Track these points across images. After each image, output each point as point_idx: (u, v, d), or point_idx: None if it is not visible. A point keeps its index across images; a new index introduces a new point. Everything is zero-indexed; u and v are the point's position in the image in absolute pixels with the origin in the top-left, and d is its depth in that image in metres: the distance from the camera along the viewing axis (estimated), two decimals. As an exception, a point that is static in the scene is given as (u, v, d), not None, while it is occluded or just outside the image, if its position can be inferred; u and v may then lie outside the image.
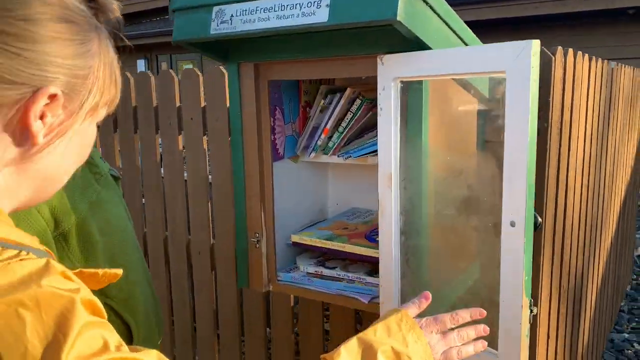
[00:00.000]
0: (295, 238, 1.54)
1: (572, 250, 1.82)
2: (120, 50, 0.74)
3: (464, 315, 0.90)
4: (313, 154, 1.57)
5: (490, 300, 1.04)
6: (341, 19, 1.07)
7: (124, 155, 2.48)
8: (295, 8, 1.12)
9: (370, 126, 1.64)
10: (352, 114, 1.51)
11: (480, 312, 0.90)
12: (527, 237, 0.94)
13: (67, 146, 0.66)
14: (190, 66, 2.21)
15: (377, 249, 1.39)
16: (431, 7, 1.10)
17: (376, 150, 1.44)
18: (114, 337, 0.55)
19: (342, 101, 1.50)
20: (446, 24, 1.17)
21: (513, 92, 0.92)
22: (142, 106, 2.35)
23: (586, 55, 1.78)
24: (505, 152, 0.95)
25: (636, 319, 3.48)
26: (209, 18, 1.23)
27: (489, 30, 5.63)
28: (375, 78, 1.21)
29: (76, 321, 0.52)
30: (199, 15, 1.25)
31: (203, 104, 2.21)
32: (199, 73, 2.19)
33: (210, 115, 2.17)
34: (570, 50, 1.53)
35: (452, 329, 0.89)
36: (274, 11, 1.15)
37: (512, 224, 0.95)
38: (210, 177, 2.27)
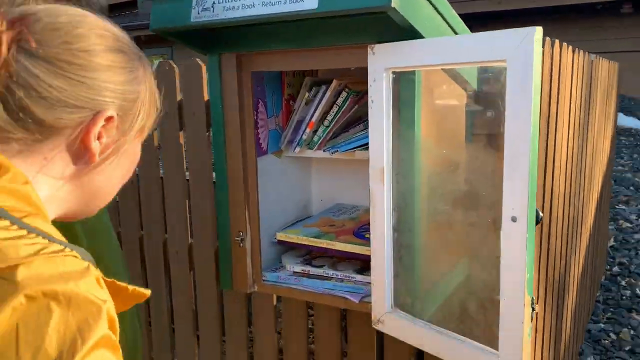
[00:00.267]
0: (281, 236, 1.49)
1: (557, 243, 1.81)
2: None
3: None
4: (298, 149, 1.52)
5: (489, 298, 1.01)
6: (332, 6, 1.02)
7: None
8: (282, -6, 1.07)
9: (356, 119, 1.59)
10: (338, 107, 1.46)
11: None
12: (530, 233, 0.90)
13: (117, 164, 0.73)
14: (157, 62, 2.13)
15: (367, 245, 1.35)
16: (424, -6, 1.06)
17: (365, 144, 1.40)
18: None
19: (327, 94, 1.44)
20: (438, 11, 1.13)
21: (515, 82, 0.88)
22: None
23: (570, 47, 1.77)
24: (506, 144, 0.91)
25: (611, 309, 3.53)
26: (189, 5, 1.16)
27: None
28: (363, 69, 1.16)
29: (97, 331, 0.54)
30: (179, 3, 1.18)
31: (179, 97, 2.13)
32: (175, 65, 2.11)
33: (186, 110, 2.09)
34: (557, 41, 1.52)
35: None
36: (260, -2, 1.09)
37: (514, 219, 0.91)
38: (187, 173, 2.20)
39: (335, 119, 1.47)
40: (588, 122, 2.35)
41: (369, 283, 1.35)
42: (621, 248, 4.27)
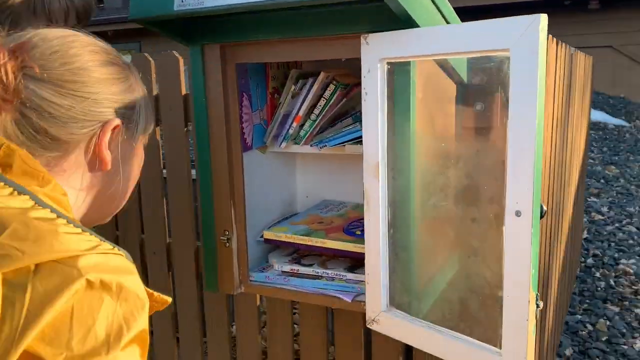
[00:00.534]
0: (269, 234, 1.43)
1: (542, 238, 1.81)
2: None
3: None
4: (284, 144, 1.47)
5: (490, 295, 0.98)
6: (325, -7, 0.97)
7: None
8: (272, -19, 1.01)
9: (343, 113, 1.55)
10: (325, 100, 1.42)
11: None
12: (535, 228, 0.88)
13: (127, 168, 0.79)
14: (129, 57, 2.04)
15: (358, 243, 1.31)
16: (420, -19, 1.02)
17: (355, 138, 1.36)
18: None
19: (315, 86, 1.40)
20: (432, 0, 1.10)
21: (519, 73, 0.85)
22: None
23: (554, 39, 1.76)
24: (509, 137, 0.88)
25: (587, 301, 3.59)
26: (172, -8, 1.10)
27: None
28: (352, 61, 1.12)
29: (140, 323, 0.62)
30: (160, -11, 1.11)
31: (155, 92, 2.05)
32: (150, 58, 2.03)
33: (163, 104, 2.01)
34: (545, 34, 1.50)
35: None
36: (248, -16, 1.04)
37: (518, 214, 0.88)
38: (164, 171, 2.12)
39: (323, 113, 1.42)
40: (568, 115, 2.37)
41: (361, 281, 1.31)
42: (594, 240, 4.34)
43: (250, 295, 2.01)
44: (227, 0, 1.06)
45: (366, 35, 1.07)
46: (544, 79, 0.85)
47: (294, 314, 2.03)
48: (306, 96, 1.41)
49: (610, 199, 5.17)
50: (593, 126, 7.06)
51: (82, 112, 0.70)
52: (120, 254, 0.66)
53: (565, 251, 2.72)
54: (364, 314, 1.20)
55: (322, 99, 1.42)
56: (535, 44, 0.83)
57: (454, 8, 1.17)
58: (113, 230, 2.24)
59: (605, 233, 4.44)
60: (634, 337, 3.06)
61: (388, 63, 1.07)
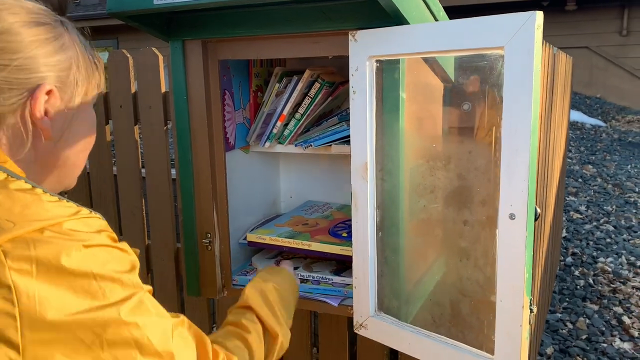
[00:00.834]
0: (252, 237, 1.39)
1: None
2: None
3: None
4: (268, 144, 1.43)
5: (482, 300, 0.96)
6: (313, -12, 0.94)
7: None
8: (257, -26, 0.97)
9: (328, 112, 1.51)
10: (310, 99, 1.38)
11: None
12: (529, 231, 0.85)
13: (75, 134, 0.74)
14: (106, 54, 1.98)
15: (344, 245, 1.28)
16: (410, -23, 0.99)
17: (341, 138, 1.32)
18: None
19: (299, 84, 1.36)
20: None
21: (513, 72, 0.83)
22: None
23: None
24: (503, 138, 0.85)
25: (567, 299, 3.62)
26: (152, -15, 1.05)
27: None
28: (338, 59, 1.09)
29: (133, 262, 0.69)
30: (139, -18, 1.06)
31: (134, 89, 1.99)
32: (129, 55, 1.97)
33: (142, 102, 1.95)
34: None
35: None
36: (232, -22, 0.99)
37: (512, 217, 0.86)
38: (143, 170, 2.06)
39: (308, 112, 1.38)
40: (551, 116, 2.37)
41: (348, 285, 1.28)
42: (573, 239, 4.39)
43: (233, 298, 1.96)
44: (209, -6, 1.01)
45: (354, 32, 1.04)
46: (540, 78, 0.83)
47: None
48: (291, 95, 1.37)
49: (588, 198, 5.23)
50: (571, 126, 7.16)
51: (6, 81, 0.65)
52: (98, 217, 0.68)
53: (547, 250, 2.73)
54: (350, 317, 1.17)
55: (307, 97, 1.38)
56: (531, 42, 0.80)
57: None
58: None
59: (583, 232, 4.50)
60: (613, 335, 3.09)
61: (377, 61, 1.04)
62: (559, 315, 3.39)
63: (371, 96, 1.05)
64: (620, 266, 3.90)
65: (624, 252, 4.12)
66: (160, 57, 1.90)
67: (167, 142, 1.97)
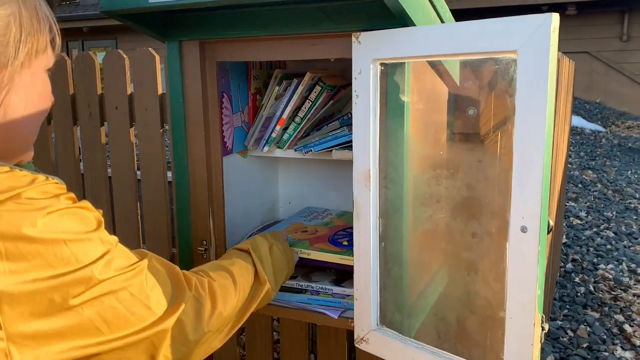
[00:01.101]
0: (249, 245, 1.34)
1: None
2: None
3: None
4: (266, 148, 1.38)
5: (490, 315, 0.91)
6: (315, -13, 0.89)
7: (36, 150, 2.15)
8: (258, -28, 0.93)
9: (329, 116, 1.47)
10: (311, 103, 1.33)
11: None
12: (542, 245, 0.81)
13: (22, 97, 0.68)
14: (104, 53, 1.94)
15: (345, 254, 1.23)
16: (417, -23, 0.95)
17: (342, 143, 1.28)
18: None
19: (300, 88, 1.31)
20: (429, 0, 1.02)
21: (527, 78, 0.78)
22: (57, 94, 2.04)
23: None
24: (515, 146, 0.81)
25: (567, 306, 3.58)
26: (147, -18, 1.01)
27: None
28: (340, 61, 1.04)
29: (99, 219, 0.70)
30: (134, -21, 1.02)
31: (130, 91, 1.95)
32: (124, 55, 1.92)
33: (138, 104, 1.91)
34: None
35: None
36: (230, -24, 0.95)
37: (524, 230, 0.81)
38: (139, 173, 2.01)
39: (308, 116, 1.34)
40: (554, 121, 2.33)
41: (348, 295, 1.24)
42: (573, 245, 4.35)
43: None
44: (207, -8, 0.97)
45: (358, 33, 1.00)
46: (555, 84, 0.79)
47: (273, 320, 1.94)
48: (290, 98, 1.33)
49: (588, 203, 5.20)
50: (571, 131, 7.13)
51: None
52: (55, 182, 0.66)
53: (549, 257, 2.69)
54: (349, 329, 1.12)
55: (308, 101, 1.34)
56: (547, 46, 0.76)
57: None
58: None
59: (583, 238, 4.46)
60: (614, 344, 3.05)
61: (381, 64, 0.99)
62: (560, 322, 3.35)
63: (375, 100, 1.00)
64: (621, 273, 3.86)
65: (624, 259, 4.09)
66: (157, 58, 1.85)
67: (163, 145, 1.93)
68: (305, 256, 1.26)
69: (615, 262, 4.02)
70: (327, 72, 1.37)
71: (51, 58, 0.72)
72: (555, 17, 0.76)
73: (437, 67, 1.11)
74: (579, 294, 3.63)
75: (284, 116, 1.33)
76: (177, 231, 1.29)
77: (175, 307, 0.76)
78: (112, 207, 2.05)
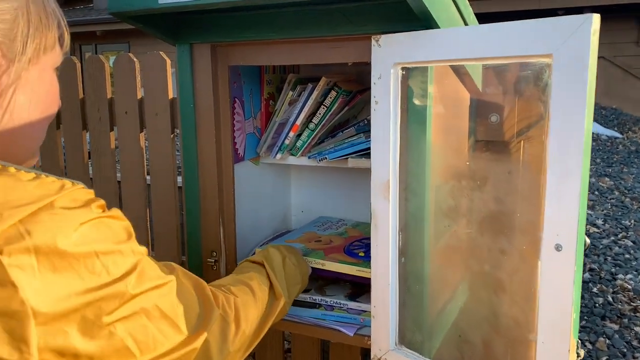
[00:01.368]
0: (261, 256, 1.29)
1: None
2: None
3: None
4: (279, 155, 1.33)
5: (518, 339, 0.85)
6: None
7: (44, 154, 2.12)
8: (273, -29, 0.88)
9: (343, 123, 1.42)
10: (326, 109, 1.28)
11: None
12: (578, 265, 0.75)
13: (29, 96, 0.65)
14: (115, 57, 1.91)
15: (361, 266, 1.17)
16: (442, -23, 0.89)
17: (358, 151, 1.23)
18: None
19: (315, 93, 1.26)
20: (453, 1, 0.97)
21: (563, 84, 0.72)
22: (66, 98, 2.00)
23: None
24: (549, 157, 0.75)
25: (585, 317, 3.48)
26: (156, -18, 0.96)
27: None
28: (357, 66, 0.99)
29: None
30: (143, -21, 0.97)
31: (140, 95, 1.91)
32: (135, 59, 1.88)
33: (148, 109, 1.87)
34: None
35: None
36: (244, -25, 0.90)
37: (558, 248, 0.75)
38: (148, 178, 1.97)
39: (323, 122, 1.29)
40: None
41: (364, 311, 1.18)
42: (590, 254, 4.25)
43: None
44: (219, -8, 0.92)
45: (378, 36, 0.94)
46: (594, 90, 0.72)
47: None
48: (305, 103, 1.27)
49: (604, 211, 5.09)
50: (586, 137, 7.02)
51: None
52: (82, 187, 0.63)
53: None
54: (365, 347, 1.06)
55: (322, 106, 1.29)
56: (586, 50, 0.70)
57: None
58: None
59: (601, 247, 4.36)
60: (634, 357, 2.95)
61: (403, 68, 0.94)
62: (578, 334, 3.26)
63: (395, 107, 0.95)
64: (640, 284, 3.76)
65: (644, 269, 3.98)
66: (168, 62, 1.81)
67: (174, 151, 1.88)
68: (320, 266, 1.20)
69: (635, 272, 3.91)
70: (343, 76, 1.32)
71: (59, 56, 0.69)
72: (596, 18, 0.70)
73: (459, 70, 1.05)
74: (597, 304, 3.53)
75: (298, 122, 1.28)
76: (187, 240, 1.24)
77: (203, 326, 0.72)
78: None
